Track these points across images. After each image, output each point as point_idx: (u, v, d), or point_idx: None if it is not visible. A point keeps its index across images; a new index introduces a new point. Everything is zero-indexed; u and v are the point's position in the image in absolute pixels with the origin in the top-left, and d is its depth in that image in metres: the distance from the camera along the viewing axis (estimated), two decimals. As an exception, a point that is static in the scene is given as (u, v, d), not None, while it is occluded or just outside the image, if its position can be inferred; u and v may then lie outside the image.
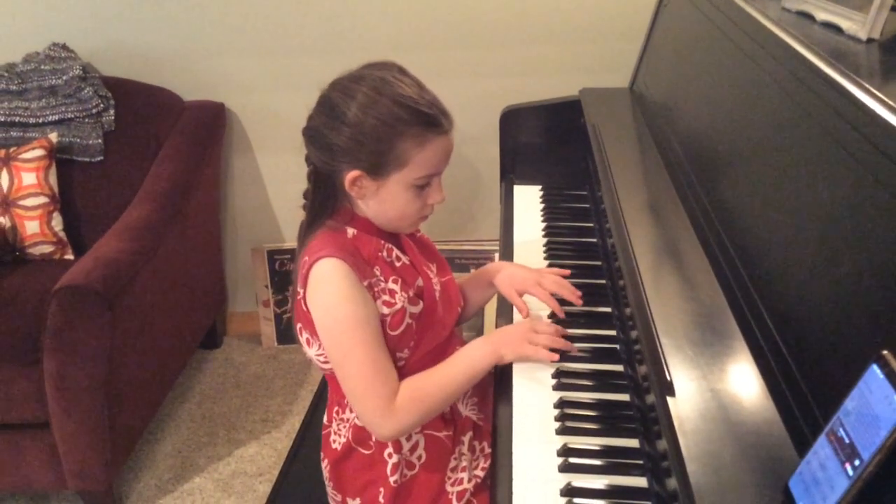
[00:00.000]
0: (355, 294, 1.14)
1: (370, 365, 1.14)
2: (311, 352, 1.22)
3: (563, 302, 1.34)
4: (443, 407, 1.22)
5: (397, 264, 1.22)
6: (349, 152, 1.13)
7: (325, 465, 1.32)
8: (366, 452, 1.26)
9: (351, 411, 1.26)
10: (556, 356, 1.21)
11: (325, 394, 1.34)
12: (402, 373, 1.20)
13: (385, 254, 1.21)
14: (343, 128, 1.12)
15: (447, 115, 1.16)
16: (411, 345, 1.22)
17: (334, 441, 1.30)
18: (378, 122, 1.10)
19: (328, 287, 1.14)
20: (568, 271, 1.39)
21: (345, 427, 1.28)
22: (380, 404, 1.15)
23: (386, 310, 1.17)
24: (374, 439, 1.24)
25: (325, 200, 1.20)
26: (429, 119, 1.13)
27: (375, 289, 1.17)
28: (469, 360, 1.22)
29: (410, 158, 1.13)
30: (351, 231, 1.20)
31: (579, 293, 1.34)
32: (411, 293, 1.21)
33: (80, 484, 1.92)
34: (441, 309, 1.27)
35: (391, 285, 1.19)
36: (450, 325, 1.30)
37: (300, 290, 1.19)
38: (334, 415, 1.30)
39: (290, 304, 1.27)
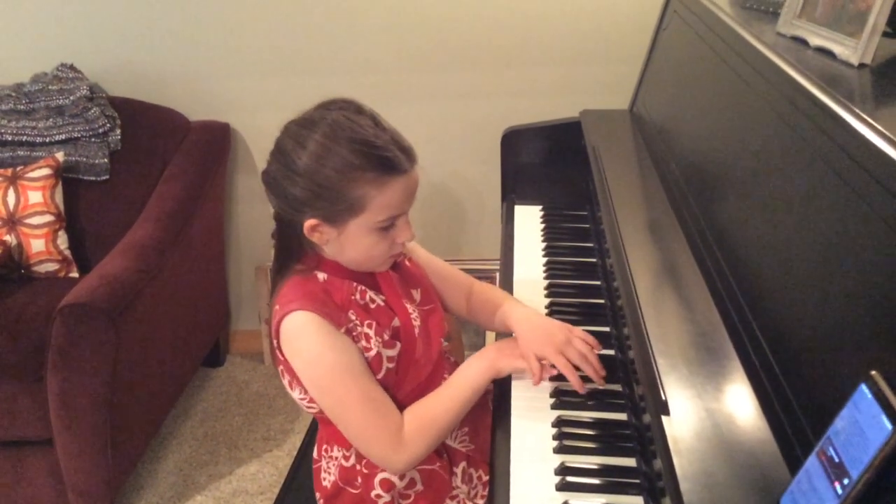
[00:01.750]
0: (333, 342, 1.11)
1: (368, 406, 1.12)
2: (295, 395, 1.20)
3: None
4: (451, 428, 1.20)
5: (372, 306, 1.19)
6: (304, 201, 1.10)
7: (318, 500, 1.31)
8: (354, 492, 1.25)
9: (338, 450, 1.25)
10: (548, 368, 1.19)
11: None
12: None
13: (358, 297, 1.18)
14: (296, 177, 1.09)
15: (408, 152, 1.12)
16: (392, 385, 1.19)
17: (324, 479, 1.29)
18: (331, 171, 1.07)
19: (303, 341, 1.11)
20: (599, 345, 1.24)
21: (333, 465, 1.27)
22: (389, 440, 1.13)
23: (365, 354, 1.15)
24: (360, 480, 1.23)
25: (289, 245, 1.19)
26: (385, 162, 1.08)
27: (353, 333, 1.14)
28: (468, 378, 1.20)
29: (368, 203, 1.09)
30: (321, 276, 1.17)
31: (603, 372, 1.20)
32: (386, 336, 1.18)
33: (82, 501, 1.92)
34: (421, 346, 1.22)
35: (366, 329, 1.16)
36: (432, 360, 1.25)
37: (274, 340, 1.16)
38: (323, 452, 1.29)
39: (270, 339, 1.22)
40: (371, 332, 1.16)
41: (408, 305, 1.23)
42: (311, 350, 1.11)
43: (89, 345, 1.76)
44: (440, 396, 1.19)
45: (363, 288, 1.19)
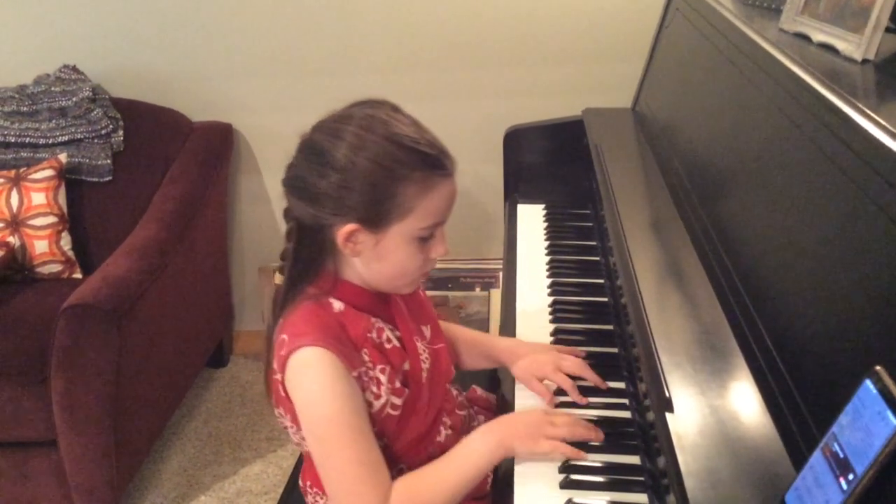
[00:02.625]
0: (342, 388, 1.00)
1: (357, 468, 1.00)
2: (292, 430, 1.11)
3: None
4: None
5: (387, 346, 1.08)
6: (340, 202, 0.99)
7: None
8: None
9: (322, 497, 1.16)
10: (581, 453, 1.05)
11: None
12: (386, 459, 1.05)
13: (375, 334, 1.07)
14: (332, 173, 0.98)
15: (450, 157, 1.03)
16: (392, 435, 1.09)
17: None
18: (374, 165, 0.97)
19: (311, 380, 1.00)
20: (583, 353, 1.26)
21: (321, 501, 1.18)
22: None
23: (374, 401, 1.05)
24: None
25: (308, 263, 1.06)
26: (432, 160, 1.00)
27: (364, 378, 1.04)
28: (474, 457, 1.05)
29: (414, 206, 0.99)
30: (337, 305, 1.06)
31: (601, 380, 1.20)
32: (397, 383, 1.07)
33: (86, 502, 1.92)
34: (426, 393, 1.12)
35: (378, 374, 1.05)
36: (435, 408, 1.15)
37: (277, 373, 1.04)
38: (308, 488, 1.20)
39: (264, 367, 1.12)
40: (384, 379, 1.05)
41: (418, 343, 1.13)
42: (315, 392, 1.00)
43: (93, 346, 1.76)
44: (435, 475, 1.05)
45: (380, 325, 1.09)
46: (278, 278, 1.10)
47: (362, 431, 1.02)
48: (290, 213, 1.07)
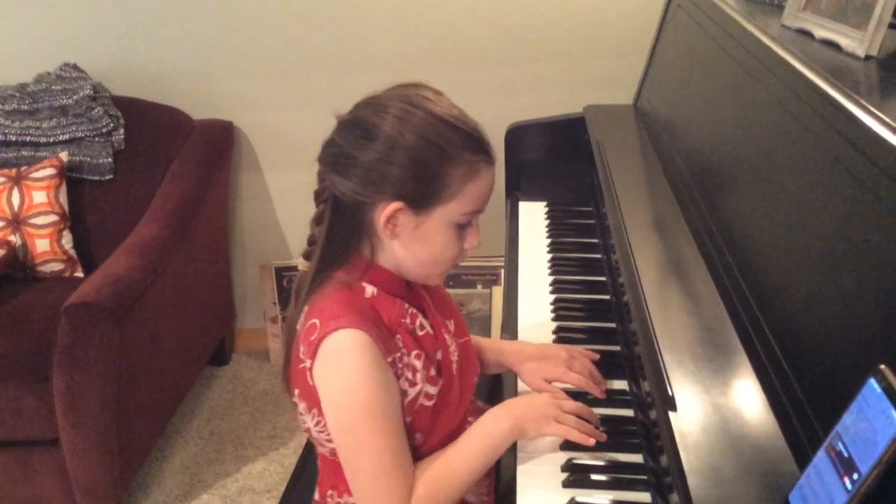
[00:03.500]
0: (377, 374, 0.96)
1: (388, 459, 0.97)
2: (310, 423, 1.06)
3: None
4: (461, 496, 1.05)
5: (420, 333, 1.05)
6: (383, 177, 0.95)
7: None
8: None
9: (349, 497, 1.10)
10: (590, 439, 1.04)
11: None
12: (418, 455, 1.05)
13: (408, 320, 1.04)
14: (376, 145, 0.94)
15: (492, 145, 1.01)
16: (425, 429, 1.05)
17: None
18: (422, 141, 0.94)
19: (346, 364, 0.96)
20: (596, 355, 1.24)
21: None
22: None
23: (409, 389, 1.01)
24: None
25: (343, 244, 1.02)
26: (479, 144, 0.98)
27: (399, 365, 1.00)
28: (488, 439, 1.04)
29: (460, 190, 0.96)
30: (370, 290, 1.03)
31: (605, 385, 1.19)
32: (432, 370, 1.04)
33: (89, 501, 1.92)
34: (458, 385, 1.09)
35: (413, 360, 1.02)
36: (467, 402, 1.13)
37: (305, 360, 1.00)
38: (328, 498, 1.14)
39: (284, 360, 1.10)
40: (419, 365, 1.02)
41: (446, 336, 1.10)
42: (351, 376, 0.96)
43: (95, 344, 1.76)
44: (455, 457, 1.04)
45: (413, 311, 1.06)
46: (303, 264, 1.06)
47: (396, 423, 0.99)
48: (323, 194, 1.02)
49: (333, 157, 0.99)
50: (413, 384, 1.02)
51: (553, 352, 1.23)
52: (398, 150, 0.94)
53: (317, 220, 1.04)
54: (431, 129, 0.94)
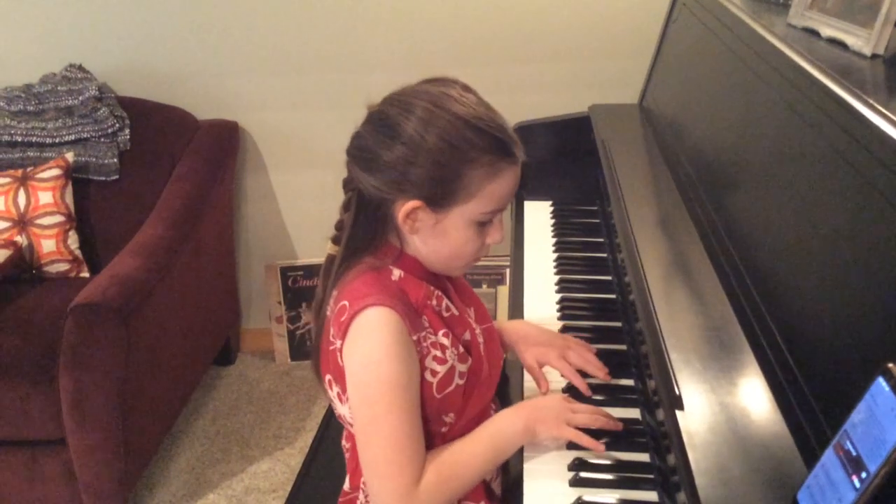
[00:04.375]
0: (402, 352, 0.98)
1: (402, 437, 0.98)
2: (343, 409, 1.07)
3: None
4: (468, 488, 1.05)
5: (446, 314, 1.07)
6: (405, 176, 0.97)
7: None
8: None
9: None
10: (600, 445, 1.04)
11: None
12: (447, 439, 1.06)
13: (434, 302, 1.06)
14: (399, 146, 0.96)
15: (518, 144, 1.02)
16: (458, 408, 1.07)
17: None
18: (444, 144, 0.95)
19: (372, 340, 0.98)
20: (594, 349, 1.25)
21: None
22: (403, 485, 0.97)
23: (438, 367, 1.02)
24: None
25: (369, 234, 1.04)
26: (502, 145, 0.99)
27: (424, 343, 1.02)
28: (499, 438, 1.05)
29: (479, 190, 0.98)
30: (397, 272, 1.05)
31: (606, 369, 1.20)
32: (461, 349, 1.06)
33: (94, 500, 1.93)
34: (486, 366, 1.11)
35: (441, 339, 1.03)
36: (496, 381, 1.14)
37: (336, 341, 1.02)
38: (362, 485, 1.13)
39: (313, 347, 1.12)
40: (447, 343, 1.04)
41: (470, 320, 1.13)
42: (376, 351, 0.98)
43: (101, 344, 1.77)
44: (466, 450, 1.04)
45: (439, 293, 1.07)
46: (331, 248, 1.08)
47: (413, 403, 1.00)
48: (351, 183, 1.04)
49: (358, 151, 1.01)
50: (443, 361, 1.03)
51: (551, 338, 1.25)
52: (420, 152, 0.96)
53: (345, 207, 1.06)
54: (454, 131, 0.96)
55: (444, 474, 1.00)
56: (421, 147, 0.96)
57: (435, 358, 1.02)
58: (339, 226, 1.07)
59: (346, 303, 1.01)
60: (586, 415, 1.07)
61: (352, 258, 1.05)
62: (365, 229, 1.04)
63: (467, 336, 1.09)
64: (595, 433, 1.06)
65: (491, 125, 0.98)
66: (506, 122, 1.02)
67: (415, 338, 1.00)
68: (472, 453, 1.04)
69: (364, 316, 0.98)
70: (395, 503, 0.98)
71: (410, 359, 0.99)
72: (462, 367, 1.05)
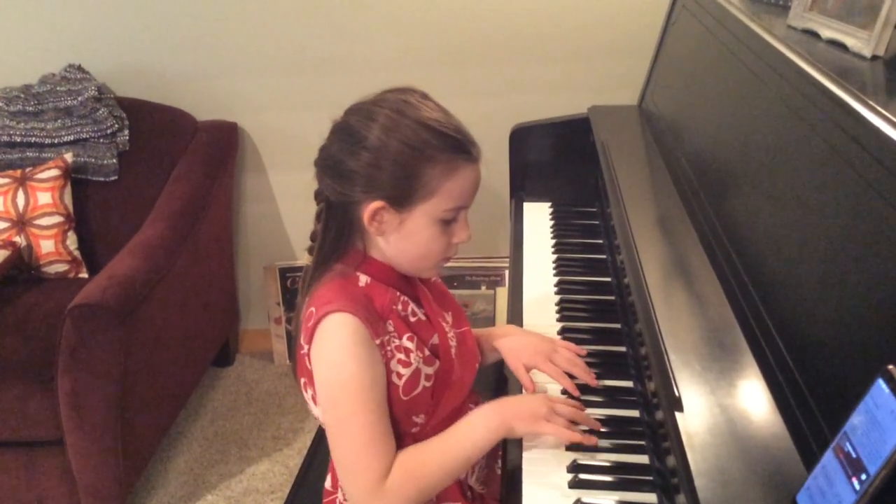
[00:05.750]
0: (363, 353, 1.02)
1: (367, 435, 1.02)
2: (317, 410, 1.12)
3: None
4: (440, 487, 1.08)
5: (412, 319, 1.11)
6: (370, 180, 1.02)
7: None
8: None
9: None
10: (578, 435, 1.06)
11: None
12: (418, 439, 1.09)
13: (400, 307, 1.10)
14: (363, 153, 1.02)
15: (475, 143, 1.07)
16: (428, 409, 1.11)
17: None
18: (403, 146, 1.01)
19: (334, 343, 1.03)
20: (584, 350, 1.28)
21: None
22: (370, 481, 1.01)
23: (403, 370, 1.06)
24: None
25: (336, 240, 1.10)
26: (458, 144, 1.04)
27: (388, 347, 1.06)
28: (475, 434, 1.07)
29: (438, 187, 1.03)
30: (364, 279, 1.09)
31: (593, 374, 1.22)
32: (426, 352, 1.10)
33: (93, 501, 1.93)
34: (458, 367, 1.14)
35: (406, 342, 1.08)
36: (468, 384, 1.18)
37: (304, 345, 1.08)
38: (341, 487, 1.16)
39: (292, 352, 1.17)
40: (412, 346, 1.08)
41: (444, 324, 1.16)
42: (337, 354, 1.02)
43: (99, 345, 1.76)
44: (439, 447, 1.07)
45: (405, 299, 1.11)
46: (307, 259, 1.14)
47: (377, 402, 1.04)
48: (321, 194, 1.10)
49: (324, 160, 1.07)
50: (407, 364, 1.07)
51: (538, 342, 1.27)
52: (382, 155, 1.02)
53: (317, 218, 1.12)
54: (413, 134, 1.01)
55: (410, 470, 1.03)
56: (384, 151, 1.01)
57: (399, 361, 1.06)
58: (313, 237, 1.13)
59: (313, 309, 1.06)
60: (567, 412, 1.09)
61: (323, 266, 1.10)
62: (334, 235, 1.10)
63: (435, 340, 1.13)
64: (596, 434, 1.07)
65: (447, 126, 1.04)
66: (462, 124, 1.07)
67: (378, 342, 1.04)
68: (440, 449, 1.07)
69: (327, 321, 1.03)
70: (363, 499, 1.02)
71: (372, 360, 1.03)
72: (428, 370, 1.09)
